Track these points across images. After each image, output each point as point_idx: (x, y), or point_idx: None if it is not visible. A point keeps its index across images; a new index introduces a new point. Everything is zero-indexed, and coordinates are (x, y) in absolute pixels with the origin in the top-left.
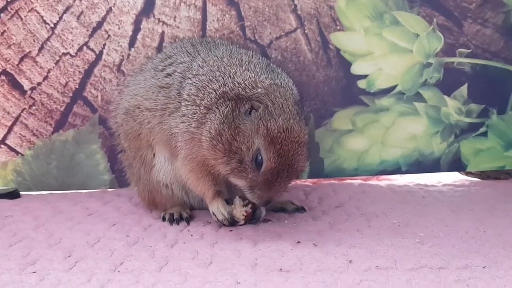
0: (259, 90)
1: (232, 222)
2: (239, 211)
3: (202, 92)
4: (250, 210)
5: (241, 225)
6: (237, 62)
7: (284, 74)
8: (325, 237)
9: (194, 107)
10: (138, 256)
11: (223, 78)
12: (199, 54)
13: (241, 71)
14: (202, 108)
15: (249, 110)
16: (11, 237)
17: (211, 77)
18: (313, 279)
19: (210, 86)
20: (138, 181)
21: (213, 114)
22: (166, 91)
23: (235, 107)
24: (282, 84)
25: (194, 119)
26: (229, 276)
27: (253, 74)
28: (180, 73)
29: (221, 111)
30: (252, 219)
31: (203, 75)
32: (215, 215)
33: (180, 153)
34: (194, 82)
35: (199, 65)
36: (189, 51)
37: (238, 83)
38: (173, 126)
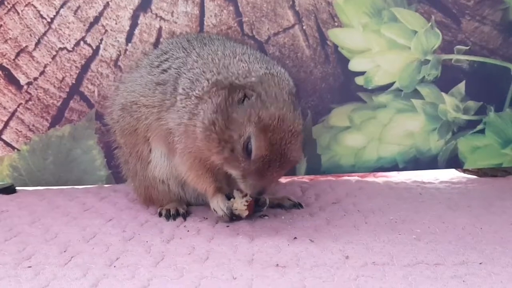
0: (253, 78)
1: (232, 217)
2: (240, 202)
3: (195, 84)
4: (251, 199)
5: (246, 217)
6: (231, 54)
7: (280, 66)
8: (322, 233)
9: (186, 99)
10: (134, 252)
11: (216, 69)
12: (194, 49)
13: (235, 61)
14: (193, 98)
15: (242, 98)
16: (6, 232)
17: (204, 69)
18: (309, 274)
19: (203, 77)
20: (134, 177)
21: (205, 104)
22: (162, 87)
23: (228, 96)
24: (278, 74)
25: (186, 111)
26: (226, 271)
27: (246, 64)
28: (175, 68)
29: (213, 100)
30: (255, 210)
31: (197, 68)
32: (216, 211)
33: (177, 148)
34: (189, 77)
35: (193, 59)
36: (184, 46)
37: (232, 72)
38: (169, 121)
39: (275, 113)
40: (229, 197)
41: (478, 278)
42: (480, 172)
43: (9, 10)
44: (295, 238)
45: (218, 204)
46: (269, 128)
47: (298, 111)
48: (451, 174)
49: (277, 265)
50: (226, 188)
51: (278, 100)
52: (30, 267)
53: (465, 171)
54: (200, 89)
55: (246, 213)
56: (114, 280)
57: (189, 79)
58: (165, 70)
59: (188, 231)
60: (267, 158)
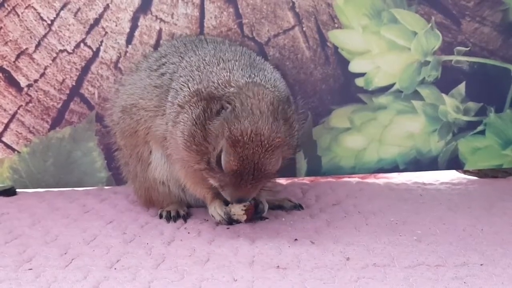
0: (232, 89)
1: (231, 222)
2: (238, 207)
3: (179, 92)
4: (250, 203)
5: (245, 222)
6: (216, 61)
7: (269, 70)
8: (323, 234)
9: (172, 106)
10: (135, 254)
11: (199, 77)
12: (186, 55)
13: (218, 69)
14: (175, 106)
15: (219, 110)
16: (7, 234)
17: (189, 77)
18: (310, 276)
19: (186, 85)
20: (135, 179)
21: (186, 115)
22: (159, 91)
23: (207, 108)
24: (262, 82)
25: (171, 118)
26: (226, 273)
27: (228, 73)
28: (170, 74)
29: (193, 112)
30: (255, 213)
31: (184, 76)
32: (214, 217)
33: (171, 153)
34: (176, 84)
35: (183, 67)
36: (180, 51)
37: (212, 81)
38: (162, 128)
39: (247, 127)
40: (227, 202)
41: (479, 279)
42: (481, 173)
43: (9, 12)
44: (296, 239)
45: (215, 210)
46: (239, 143)
47: (279, 122)
48: (451, 175)
49: (278, 266)
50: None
51: (254, 113)
52: (30, 269)
53: (465, 172)
54: (182, 97)
55: (244, 217)
56: (114, 282)
57: (175, 88)
58: (162, 74)
59: (188, 233)
60: (238, 172)
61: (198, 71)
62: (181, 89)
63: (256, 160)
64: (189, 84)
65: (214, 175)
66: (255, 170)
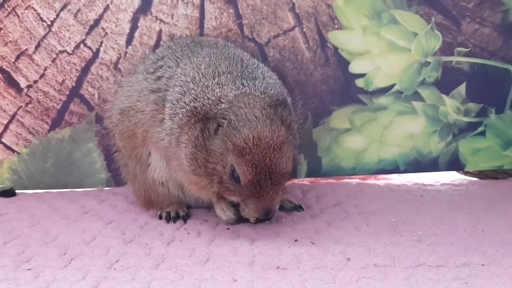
0: (223, 105)
1: (238, 221)
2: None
3: (176, 106)
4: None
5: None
6: (211, 74)
7: (261, 76)
8: (323, 235)
9: (171, 123)
10: (134, 254)
11: (195, 92)
12: (181, 60)
13: (212, 84)
14: (176, 128)
15: (217, 128)
16: (6, 234)
17: (185, 89)
18: (310, 276)
19: (182, 99)
20: (134, 180)
21: (186, 136)
22: (156, 95)
23: (205, 128)
24: (252, 91)
25: (174, 137)
26: (226, 273)
27: (219, 89)
28: (167, 79)
29: (191, 134)
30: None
31: (179, 86)
32: (221, 217)
33: (173, 163)
34: (172, 93)
35: (179, 74)
36: (177, 55)
37: (207, 98)
38: (161, 139)
39: (248, 134)
40: (232, 203)
41: (481, 279)
42: (481, 175)
43: (9, 13)
44: (296, 240)
45: (222, 210)
46: (246, 150)
47: (278, 123)
48: (452, 177)
49: (278, 267)
50: None
51: (250, 120)
52: (29, 269)
53: (466, 173)
54: (180, 116)
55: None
56: (114, 282)
57: (172, 97)
58: (159, 78)
59: (188, 233)
60: (255, 180)
61: (193, 84)
62: (177, 102)
63: (268, 162)
64: (185, 99)
65: (233, 192)
66: (271, 173)
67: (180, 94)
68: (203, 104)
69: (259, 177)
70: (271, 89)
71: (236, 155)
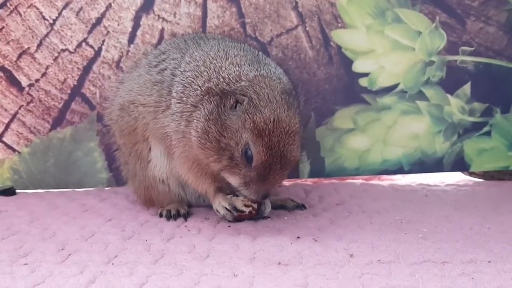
0: (243, 83)
1: (235, 217)
2: (240, 202)
3: (188, 89)
4: (255, 204)
5: (250, 217)
6: (223, 56)
7: (273, 64)
8: (326, 232)
9: (182, 105)
10: (133, 250)
11: (208, 73)
12: (187, 51)
13: (227, 64)
14: (189, 106)
15: (234, 104)
16: (4, 230)
17: (196, 73)
18: (312, 272)
19: (195, 82)
20: (134, 178)
21: (198, 112)
22: (159, 87)
23: (220, 103)
24: (269, 74)
25: (183, 118)
26: (227, 268)
27: (237, 68)
28: (171, 69)
29: (205, 108)
30: (257, 214)
31: (189, 71)
32: (218, 211)
33: (175, 151)
34: (181, 79)
35: (186, 61)
36: (181, 47)
37: (222, 77)
38: (165, 125)
39: (269, 116)
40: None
41: (487, 275)
42: (487, 175)
43: (11, 11)
44: (298, 237)
45: (220, 203)
46: (265, 132)
47: (293, 110)
48: (457, 177)
49: (280, 263)
50: (226, 188)
51: (271, 102)
52: (26, 264)
53: (471, 174)
54: (194, 97)
55: (249, 209)
56: (111, 276)
57: (181, 82)
58: (162, 70)
59: (188, 230)
60: (267, 162)
61: (205, 67)
62: (190, 85)
63: (282, 147)
64: (198, 82)
65: (239, 171)
66: (282, 158)
67: (192, 78)
68: (218, 83)
69: (271, 160)
70: (284, 77)
71: (254, 134)
